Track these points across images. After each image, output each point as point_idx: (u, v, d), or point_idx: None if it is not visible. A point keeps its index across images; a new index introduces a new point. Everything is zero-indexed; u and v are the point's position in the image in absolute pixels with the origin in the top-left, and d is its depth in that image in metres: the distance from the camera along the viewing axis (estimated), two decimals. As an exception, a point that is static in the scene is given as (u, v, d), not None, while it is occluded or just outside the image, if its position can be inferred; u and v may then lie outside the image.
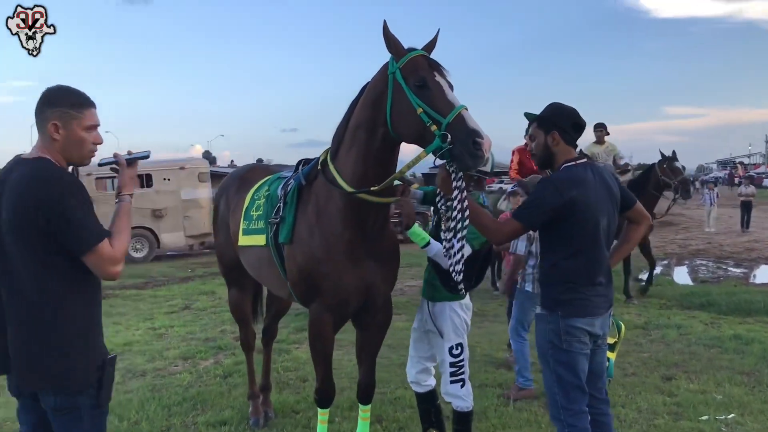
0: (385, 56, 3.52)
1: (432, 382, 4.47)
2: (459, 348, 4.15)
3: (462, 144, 3.06)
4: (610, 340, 3.85)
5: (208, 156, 41.51)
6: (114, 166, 2.98)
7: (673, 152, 10.95)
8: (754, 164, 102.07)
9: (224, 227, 5.04)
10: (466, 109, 3.17)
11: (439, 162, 3.26)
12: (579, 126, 3.54)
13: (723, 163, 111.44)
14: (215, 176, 21.77)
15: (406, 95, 3.30)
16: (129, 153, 3.00)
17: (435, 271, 4.08)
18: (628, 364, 6.78)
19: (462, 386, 4.18)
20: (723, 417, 5.18)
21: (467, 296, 4.21)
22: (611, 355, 3.89)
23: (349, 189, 3.63)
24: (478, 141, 3.04)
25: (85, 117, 2.72)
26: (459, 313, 4.14)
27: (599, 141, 11.39)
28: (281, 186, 4.16)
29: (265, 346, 5.66)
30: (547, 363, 3.53)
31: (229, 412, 5.48)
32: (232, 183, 5.12)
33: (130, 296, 11.83)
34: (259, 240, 4.23)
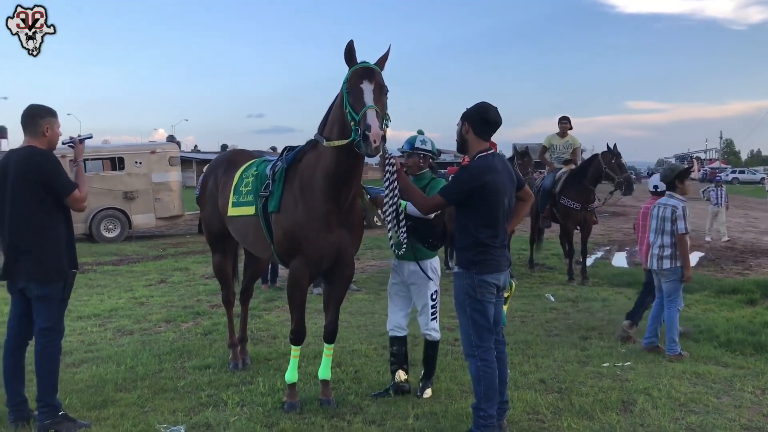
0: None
1: (407, 329, 5.64)
2: (436, 294, 5.44)
3: (361, 135, 4.27)
4: (505, 294, 4.87)
5: (171, 140, 41.88)
6: (71, 144, 4.96)
7: (615, 146, 11.48)
8: (710, 159, 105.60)
9: (212, 202, 6.09)
10: (373, 108, 4.33)
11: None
12: (486, 121, 4.53)
13: (681, 158, 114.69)
14: (181, 161, 22.57)
15: (344, 99, 4.49)
16: (79, 136, 4.99)
17: (416, 238, 5.14)
18: (554, 327, 7.98)
19: (437, 322, 5.51)
20: (620, 364, 6.37)
21: (436, 257, 5.51)
22: (504, 307, 4.92)
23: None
24: (366, 133, 4.22)
25: (58, 123, 4.82)
26: (436, 268, 5.47)
27: (561, 133, 12.32)
28: (269, 167, 5.30)
29: (242, 304, 6.69)
30: (464, 311, 4.56)
31: (211, 359, 6.52)
32: (220, 164, 6.20)
33: (107, 271, 12.73)
34: (249, 210, 5.37)
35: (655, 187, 7.54)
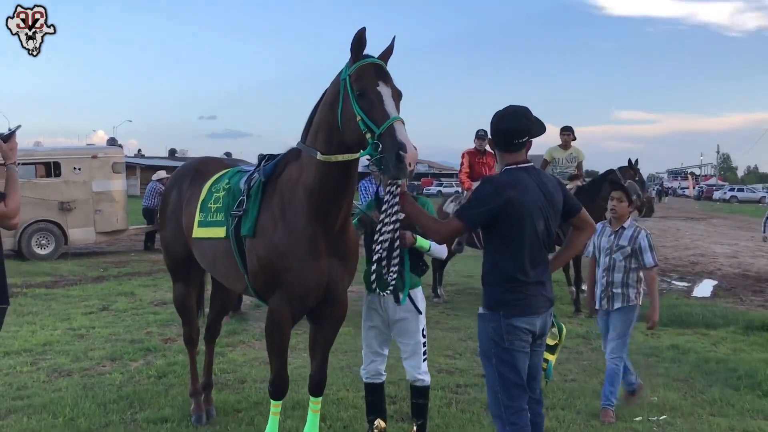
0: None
1: (385, 373, 5.27)
2: (425, 330, 5.11)
3: (388, 154, 3.70)
4: (550, 342, 4.40)
5: (113, 143, 41.17)
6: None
7: (637, 161, 11.47)
8: (705, 176, 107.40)
9: (174, 220, 5.52)
10: (401, 120, 3.81)
11: (373, 167, 3.94)
12: (499, 131, 4.07)
13: (674, 173, 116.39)
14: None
15: (350, 102, 3.94)
16: (9, 130, 4.31)
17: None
18: (569, 370, 7.58)
19: (427, 363, 5.17)
20: (656, 418, 5.98)
21: (420, 286, 5.16)
22: (551, 357, 4.48)
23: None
24: (401, 154, 3.66)
25: None
26: (422, 297, 5.15)
27: (564, 145, 12.01)
28: (244, 180, 4.73)
29: (208, 344, 6.14)
30: (489, 361, 4.06)
31: (169, 410, 5.95)
32: (185, 174, 5.63)
33: (39, 295, 12.01)
34: (218, 232, 4.78)
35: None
